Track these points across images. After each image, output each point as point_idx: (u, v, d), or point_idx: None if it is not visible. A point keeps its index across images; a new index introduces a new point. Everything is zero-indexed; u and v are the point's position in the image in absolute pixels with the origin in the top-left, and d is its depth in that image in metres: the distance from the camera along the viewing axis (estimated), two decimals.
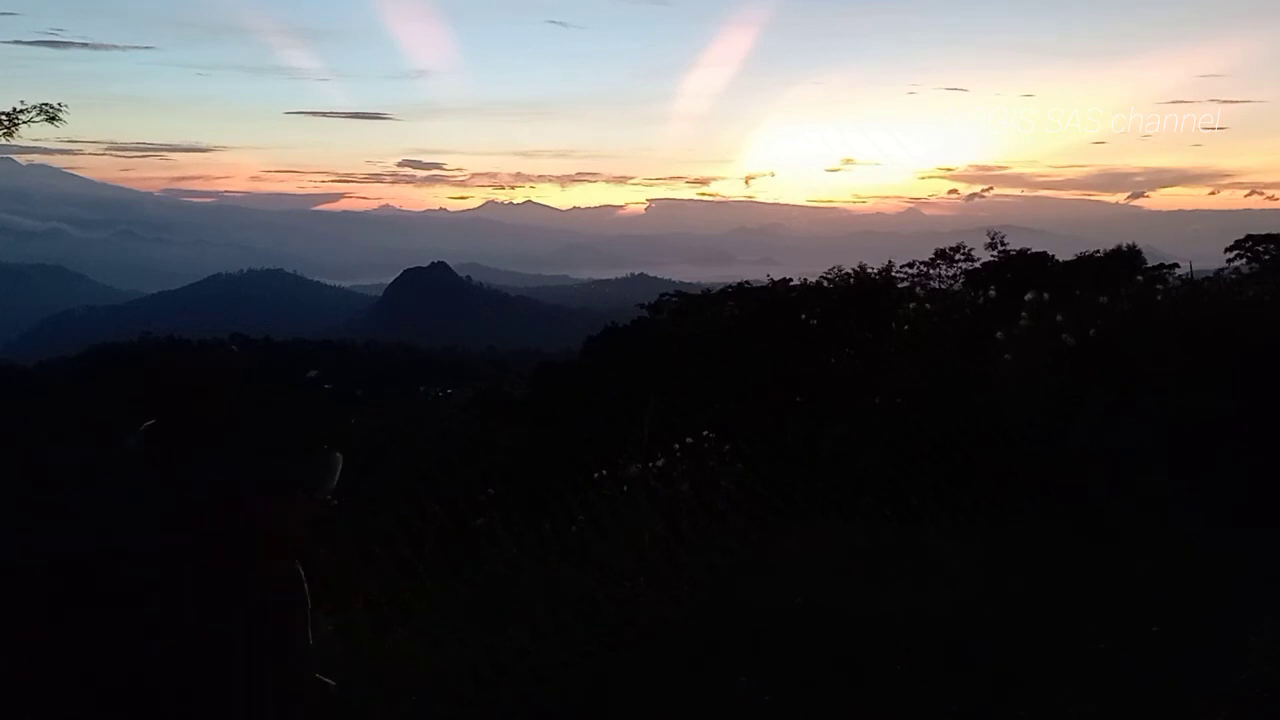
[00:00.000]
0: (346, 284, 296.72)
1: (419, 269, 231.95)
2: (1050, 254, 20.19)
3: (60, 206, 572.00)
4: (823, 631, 4.35)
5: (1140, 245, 20.85)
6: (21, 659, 1.57)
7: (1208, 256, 21.00)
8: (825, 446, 7.56)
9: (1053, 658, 4.03)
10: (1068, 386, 6.66)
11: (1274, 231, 21.24)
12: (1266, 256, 20.16)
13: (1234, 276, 13.68)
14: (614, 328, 21.59)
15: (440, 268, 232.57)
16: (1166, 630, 4.08)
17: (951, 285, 19.02)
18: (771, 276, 19.76)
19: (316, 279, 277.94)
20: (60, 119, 7.05)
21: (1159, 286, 8.33)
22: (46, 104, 7.03)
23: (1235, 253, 21.04)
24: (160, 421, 1.78)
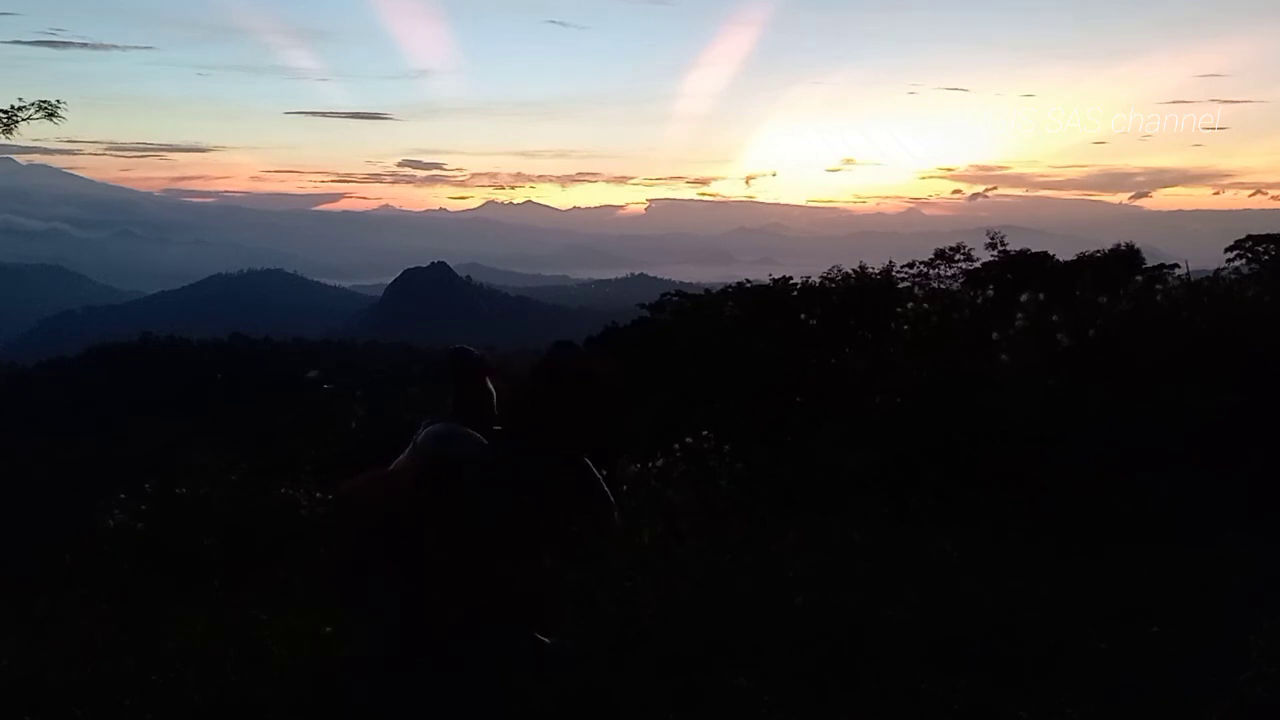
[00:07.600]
0: (346, 284, 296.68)
1: (419, 269, 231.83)
2: (1050, 254, 20.22)
3: (60, 206, 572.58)
4: (823, 631, 4.34)
5: (1141, 246, 20.85)
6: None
7: (1209, 257, 21.00)
8: (825, 446, 7.56)
9: (1053, 658, 4.03)
10: (1067, 387, 6.65)
11: (1276, 232, 21.26)
12: (1266, 257, 20.18)
13: (1233, 277, 13.68)
14: (614, 328, 21.61)
15: (440, 268, 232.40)
16: (1166, 630, 4.07)
17: (951, 285, 19.05)
18: (772, 276, 19.77)
19: (316, 279, 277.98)
20: (60, 116, 7.01)
21: (1158, 287, 8.32)
22: (45, 101, 6.99)
23: (1235, 253, 21.07)
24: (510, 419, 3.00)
